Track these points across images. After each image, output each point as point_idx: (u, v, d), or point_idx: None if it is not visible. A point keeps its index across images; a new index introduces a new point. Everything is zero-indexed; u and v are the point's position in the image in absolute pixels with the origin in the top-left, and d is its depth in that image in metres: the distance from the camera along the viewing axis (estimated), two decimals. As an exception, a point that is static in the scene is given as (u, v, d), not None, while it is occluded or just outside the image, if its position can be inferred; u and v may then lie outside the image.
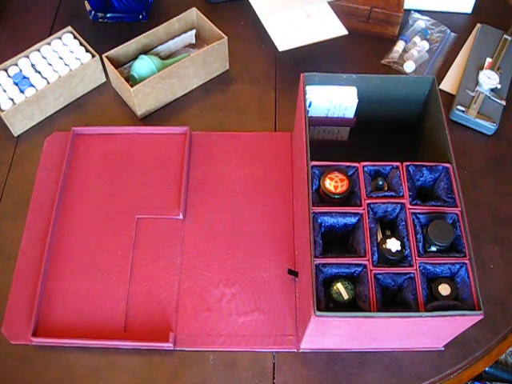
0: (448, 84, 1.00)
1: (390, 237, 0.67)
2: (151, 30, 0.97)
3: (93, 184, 0.89)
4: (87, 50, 0.98)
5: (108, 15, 1.08)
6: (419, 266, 0.66)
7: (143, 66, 0.93)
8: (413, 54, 1.02)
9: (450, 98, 0.97)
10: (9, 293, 0.79)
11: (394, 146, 0.87)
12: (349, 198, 0.71)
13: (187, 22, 1.01)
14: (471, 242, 0.66)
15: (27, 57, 0.97)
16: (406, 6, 1.04)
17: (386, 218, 0.72)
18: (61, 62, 0.96)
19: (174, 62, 0.93)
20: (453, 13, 1.09)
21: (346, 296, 0.65)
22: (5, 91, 0.93)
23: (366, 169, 0.72)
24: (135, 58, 0.97)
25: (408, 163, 0.72)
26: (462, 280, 0.65)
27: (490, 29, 1.04)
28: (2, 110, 0.90)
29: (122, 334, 0.77)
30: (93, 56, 0.97)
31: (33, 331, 0.76)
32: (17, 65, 0.96)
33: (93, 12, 1.07)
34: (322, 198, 0.72)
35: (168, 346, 0.75)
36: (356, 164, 0.72)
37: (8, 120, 0.91)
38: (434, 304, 0.64)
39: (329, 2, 1.01)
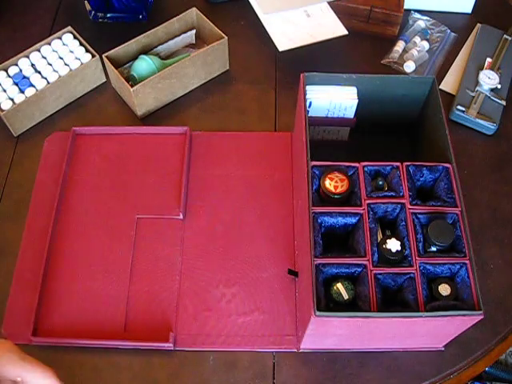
0: (448, 84, 1.00)
1: (390, 237, 0.67)
2: (151, 30, 0.97)
3: (93, 184, 0.89)
4: (87, 50, 0.98)
5: (108, 15, 1.07)
6: (419, 266, 0.66)
7: (143, 66, 0.93)
8: (413, 53, 1.02)
9: (449, 98, 0.97)
10: (9, 293, 0.79)
11: (394, 146, 0.87)
12: (349, 198, 0.71)
13: (187, 21, 1.01)
14: (471, 241, 0.66)
15: (27, 57, 0.97)
16: (406, 5, 1.04)
17: (386, 218, 0.72)
18: (61, 61, 0.96)
19: (174, 62, 0.93)
20: (453, 13, 1.09)
21: (346, 296, 0.65)
22: (5, 91, 0.93)
23: (366, 169, 0.72)
24: (135, 58, 0.97)
25: (408, 163, 0.72)
26: (462, 280, 0.65)
27: (490, 29, 1.04)
28: (2, 110, 0.90)
29: (122, 333, 0.77)
30: (93, 56, 0.97)
31: (33, 331, 0.76)
32: (17, 65, 0.96)
33: (93, 12, 1.07)
34: (321, 198, 0.72)
35: (168, 345, 0.75)
36: (356, 164, 0.72)
37: (8, 120, 0.91)
38: (434, 304, 0.64)
39: (329, 2, 1.01)
